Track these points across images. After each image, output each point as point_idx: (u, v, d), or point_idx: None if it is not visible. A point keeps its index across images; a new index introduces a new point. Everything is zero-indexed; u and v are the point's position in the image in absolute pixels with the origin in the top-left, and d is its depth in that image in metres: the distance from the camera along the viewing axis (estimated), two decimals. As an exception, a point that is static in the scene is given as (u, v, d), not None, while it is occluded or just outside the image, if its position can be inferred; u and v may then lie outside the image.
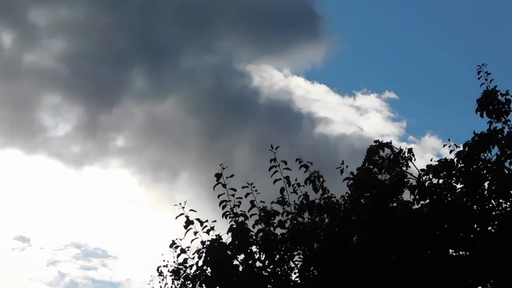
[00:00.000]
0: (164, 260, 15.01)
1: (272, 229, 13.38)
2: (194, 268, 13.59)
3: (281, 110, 47.57)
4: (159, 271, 15.05)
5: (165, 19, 46.76)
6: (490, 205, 12.67)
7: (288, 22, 49.49)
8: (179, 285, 13.99)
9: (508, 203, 12.64)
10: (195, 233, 13.60)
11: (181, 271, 14.00)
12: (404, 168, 13.24)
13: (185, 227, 13.64)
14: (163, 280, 15.29)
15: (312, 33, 50.49)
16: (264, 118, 46.16)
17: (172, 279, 14.27)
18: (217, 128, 44.92)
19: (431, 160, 13.11)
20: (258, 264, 13.25)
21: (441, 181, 12.88)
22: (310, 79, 54.81)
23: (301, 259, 13.20)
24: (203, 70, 46.94)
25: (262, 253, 13.19)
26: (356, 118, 51.57)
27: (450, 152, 13.13)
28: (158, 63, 46.33)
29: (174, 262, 14.30)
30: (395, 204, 12.88)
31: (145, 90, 46.40)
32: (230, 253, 13.29)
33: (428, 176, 12.96)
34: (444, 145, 13.24)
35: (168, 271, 14.63)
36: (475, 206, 12.69)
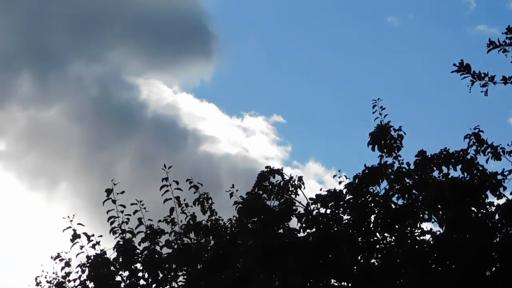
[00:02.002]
0: (43, 271, 14.74)
1: (158, 248, 13.33)
2: (78, 282, 13.49)
3: (167, 125, 47.69)
4: (38, 281, 14.76)
5: (56, 25, 46.21)
6: (375, 238, 12.87)
7: (181, 38, 49.67)
8: (57, 298, 13.81)
9: (393, 237, 12.86)
10: (81, 247, 13.50)
11: (63, 284, 13.82)
12: (293, 196, 13.36)
13: (72, 240, 13.54)
14: (40, 291, 14.99)
15: (204, 51, 50.84)
16: (149, 132, 46.18)
17: (50, 291, 14.08)
18: (100, 139, 44.69)
19: (320, 189, 13.28)
20: (141, 282, 13.18)
21: (329, 211, 13.03)
22: (199, 97, 55.54)
23: (184, 280, 13.16)
24: (91, 79, 46.66)
25: (146, 271, 13.13)
26: (242, 139, 52.09)
27: (340, 183, 13.30)
28: (45, 69, 45.90)
29: (53, 273, 14.12)
30: (281, 231, 12.95)
31: (31, 95, 45.91)
32: (114, 269, 13.21)
33: (316, 205, 13.10)
34: (334, 176, 13.42)
35: (47, 281, 14.41)
36: (360, 238, 12.87)
